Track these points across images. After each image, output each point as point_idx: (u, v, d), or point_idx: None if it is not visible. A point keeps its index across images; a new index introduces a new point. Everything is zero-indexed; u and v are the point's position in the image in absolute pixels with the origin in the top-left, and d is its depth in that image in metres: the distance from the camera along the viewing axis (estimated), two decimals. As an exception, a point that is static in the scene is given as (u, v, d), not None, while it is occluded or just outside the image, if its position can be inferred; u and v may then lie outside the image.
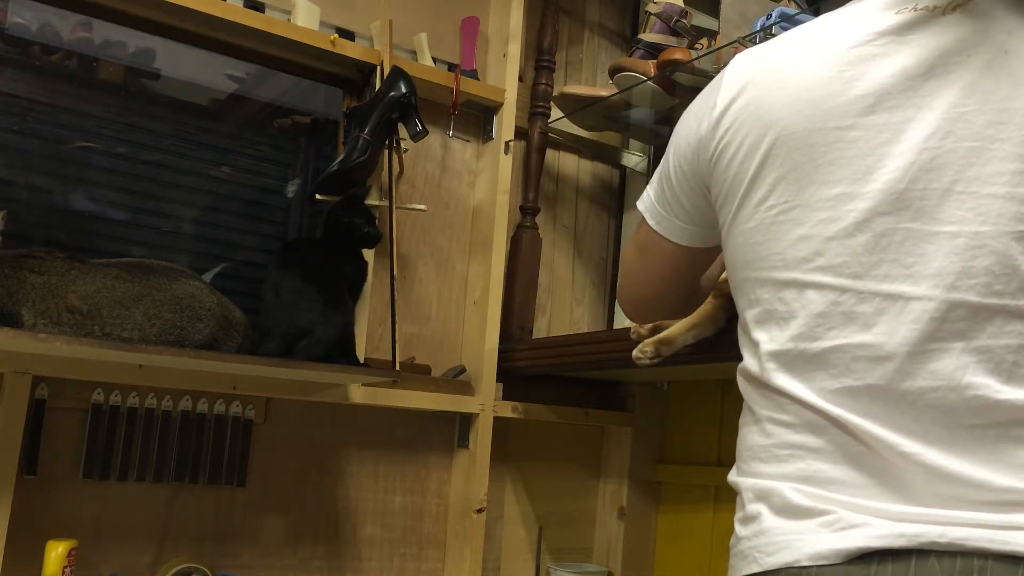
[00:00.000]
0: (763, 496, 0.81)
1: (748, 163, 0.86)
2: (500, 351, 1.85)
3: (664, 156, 1.01)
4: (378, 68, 1.74)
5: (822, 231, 0.80)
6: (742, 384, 0.89)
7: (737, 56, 0.94)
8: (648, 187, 1.05)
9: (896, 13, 0.83)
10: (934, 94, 0.78)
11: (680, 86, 1.81)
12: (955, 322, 0.74)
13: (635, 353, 1.33)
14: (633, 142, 2.17)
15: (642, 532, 2.02)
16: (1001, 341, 0.73)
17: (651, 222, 1.03)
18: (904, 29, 0.81)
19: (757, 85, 0.88)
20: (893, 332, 0.76)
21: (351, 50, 1.74)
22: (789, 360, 0.81)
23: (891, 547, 0.72)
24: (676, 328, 1.30)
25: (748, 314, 0.88)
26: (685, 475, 1.98)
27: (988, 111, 0.76)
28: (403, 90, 1.66)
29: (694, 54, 1.73)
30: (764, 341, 0.84)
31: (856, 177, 0.79)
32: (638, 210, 1.07)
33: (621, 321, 2.01)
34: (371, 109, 1.65)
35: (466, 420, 1.85)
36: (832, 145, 0.81)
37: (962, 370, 0.73)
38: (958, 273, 0.74)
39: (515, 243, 1.94)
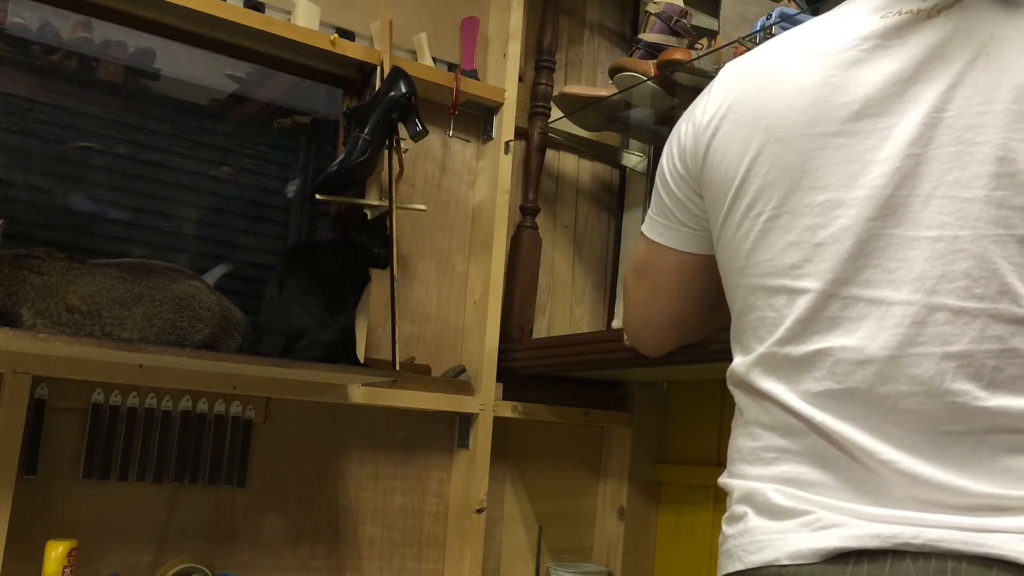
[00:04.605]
0: (748, 497, 0.82)
1: (735, 169, 0.87)
2: (500, 351, 1.85)
3: (659, 168, 1.02)
4: (378, 68, 1.74)
5: (809, 237, 0.81)
6: (732, 388, 0.90)
7: (727, 64, 0.95)
8: (648, 211, 1.05)
9: (881, 17, 0.83)
10: (918, 99, 0.78)
11: (680, 86, 1.81)
12: (936, 326, 0.74)
13: None
14: (633, 142, 2.17)
15: (642, 532, 2.02)
16: (982, 346, 0.73)
17: (652, 236, 1.03)
18: (889, 34, 0.82)
19: (744, 91, 0.89)
20: (874, 336, 0.76)
21: (351, 50, 1.74)
22: (774, 363, 0.82)
23: (866, 547, 0.73)
24: None
25: (740, 319, 0.89)
26: (685, 475, 1.98)
27: (969, 115, 0.76)
28: (403, 90, 1.66)
29: (694, 54, 1.73)
30: (753, 345, 0.85)
31: (843, 183, 0.80)
32: (639, 229, 1.06)
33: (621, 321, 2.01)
34: (371, 109, 1.65)
35: (466, 420, 1.85)
36: (819, 151, 0.81)
37: (942, 375, 0.74)
38: (938, 277, 0.75)
39: (515, 243, 1.94)
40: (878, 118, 0.79)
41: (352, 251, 1.64)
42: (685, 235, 1.00)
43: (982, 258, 0.74)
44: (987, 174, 0.75)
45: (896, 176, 0.77)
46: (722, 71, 0.94)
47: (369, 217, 1.73)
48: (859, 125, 0.80)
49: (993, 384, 0.73)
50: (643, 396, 2.05)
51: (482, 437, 1.82)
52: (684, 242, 1.01)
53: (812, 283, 0.80)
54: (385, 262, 1.65)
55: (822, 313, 0.79)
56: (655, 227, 1.03)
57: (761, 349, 0.84)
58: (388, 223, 1.68)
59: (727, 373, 0.90)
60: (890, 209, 0.77)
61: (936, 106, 0.77)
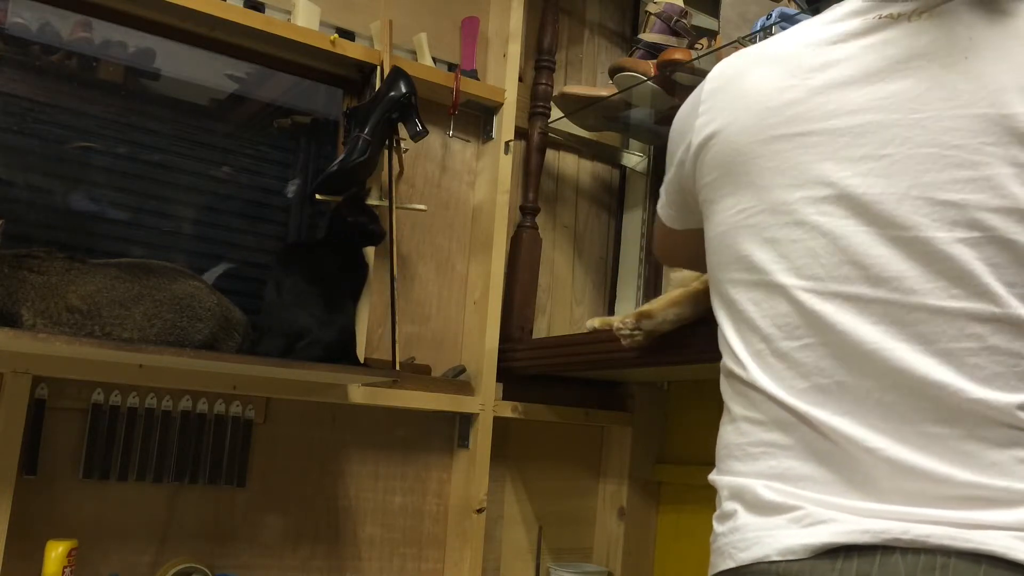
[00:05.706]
0: (737, 494, 0.83)
1: (718, 168, 0.89)
2: (500, 351, 1.85)
3: (668, 160, 1.04)
4: (378, 68, 1.74)
5: (787, 234, 0.82)
6: (721, 383, 0.91)
7: (715, 67, 0.96)
8: (661, 189, 1.07)
9: (862, 21, 0.84)
10: (895, 98, 0.79)
11: (680, 86, 1.81)
12: (916, 325, 0.75)
13: (616, 324, 1.39)
14: (633, 142, 2.17)
15: (642, 532, 2.02)
16: (962, 344, 0.74)
17: (668, 223, 1.08)
18: (869, 36, 0.83)
19: (728, 91, 0.91)
20: (855, 333, 0.77)
21: (351, 50, 1.74)
22: (761, 359, 0.83)
23: (856, 543, 0.73)
24: (658, 303, 1.33)
25: (724, 315, 0.90)
26: (685, 475, 1.98)
27: (946, 117, 0.77)
28: (403, 90, 1.66)
29: (694, 54, 1.74)
30: (738, 341, 0.87)
31: (817, 181, 0.81)
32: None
33: (621, 321, 2.01)
34: (371, 109, 1.65)
35: (466, 420, 1.85)
36: (795, 150, 0.83)
37: (924, 373, 0.75)
38: (915, 277, 0.76)
39: (515, 243, 1.94)
40: (854, 115, 0.81)
41: (347, 242, 1.62)
42: (691, 220, 1.03)
43: (959, 259, 0.75)
44: (963, 178, 0.75)
45: (870, 176, 0.78)
46: (712, 71, 0.96)
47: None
48: (835, 123, 0.81)
49: (975, 380, 0.74)
50: (643, 396, 2.05)
51: (482, 437, 1.82)
52: (691, 223, 1.03)
53: (790, 279, 0.81)
54: (380, 237, 1.64)
55: (802, 308, 0.80)
56: (669, 219, 1.08)
57: (747, 345, 0.85)
58: (388, 210, 1.66)
59: (720, 368, 0.91)
60: (863, 207, 0.78)
61: (914, 107, 0.78)
